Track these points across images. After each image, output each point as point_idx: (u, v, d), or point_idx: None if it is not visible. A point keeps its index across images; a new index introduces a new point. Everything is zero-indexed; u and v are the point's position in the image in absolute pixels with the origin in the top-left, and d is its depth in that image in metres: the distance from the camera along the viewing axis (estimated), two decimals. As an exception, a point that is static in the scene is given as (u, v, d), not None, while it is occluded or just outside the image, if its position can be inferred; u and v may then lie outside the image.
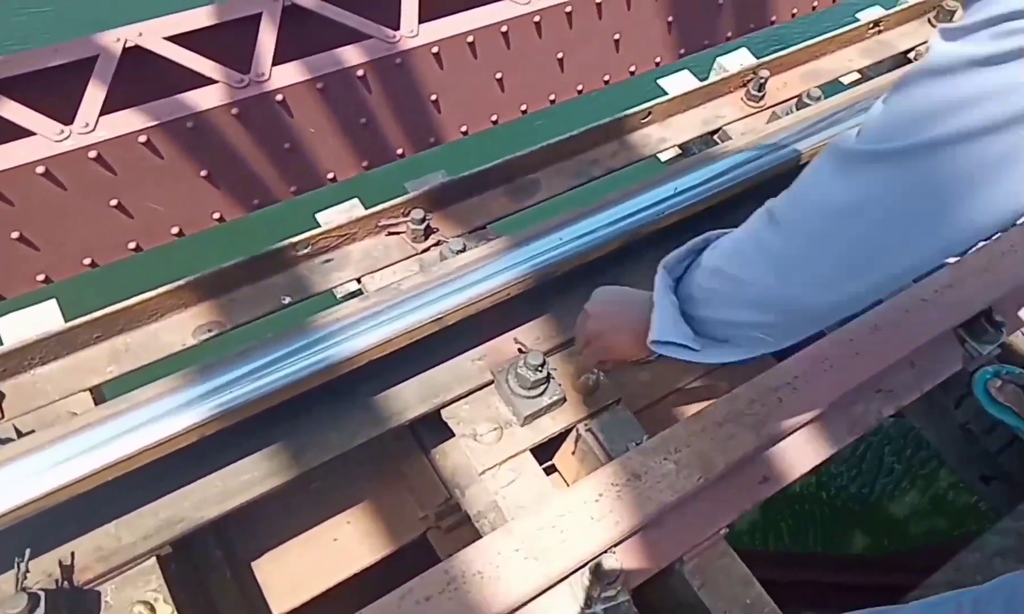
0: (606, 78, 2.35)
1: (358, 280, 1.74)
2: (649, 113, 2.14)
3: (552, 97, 2.28)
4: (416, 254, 1.78)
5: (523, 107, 2.25)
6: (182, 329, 1.57)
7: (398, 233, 1.81)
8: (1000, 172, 0.72)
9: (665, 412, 1.74)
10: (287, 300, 1.66)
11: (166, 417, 1.24)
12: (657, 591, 1.38)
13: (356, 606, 1.16)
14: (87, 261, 1.80)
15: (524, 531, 1.22)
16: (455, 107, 2.12)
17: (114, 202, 1.75)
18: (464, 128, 2.18)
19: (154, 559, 1.30)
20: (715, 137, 2.22)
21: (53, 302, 1.62)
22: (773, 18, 2.54)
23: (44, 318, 1.58)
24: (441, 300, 1.46)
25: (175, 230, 1.88)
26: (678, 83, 2.41)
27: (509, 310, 1.59)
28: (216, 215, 1.92)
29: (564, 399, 1.55)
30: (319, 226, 1.80)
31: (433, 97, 2.06)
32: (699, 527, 1.36)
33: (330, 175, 2.04)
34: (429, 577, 1.15)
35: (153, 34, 1.93)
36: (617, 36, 2.27)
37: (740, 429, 1.37)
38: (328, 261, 1.74)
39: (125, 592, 1.26)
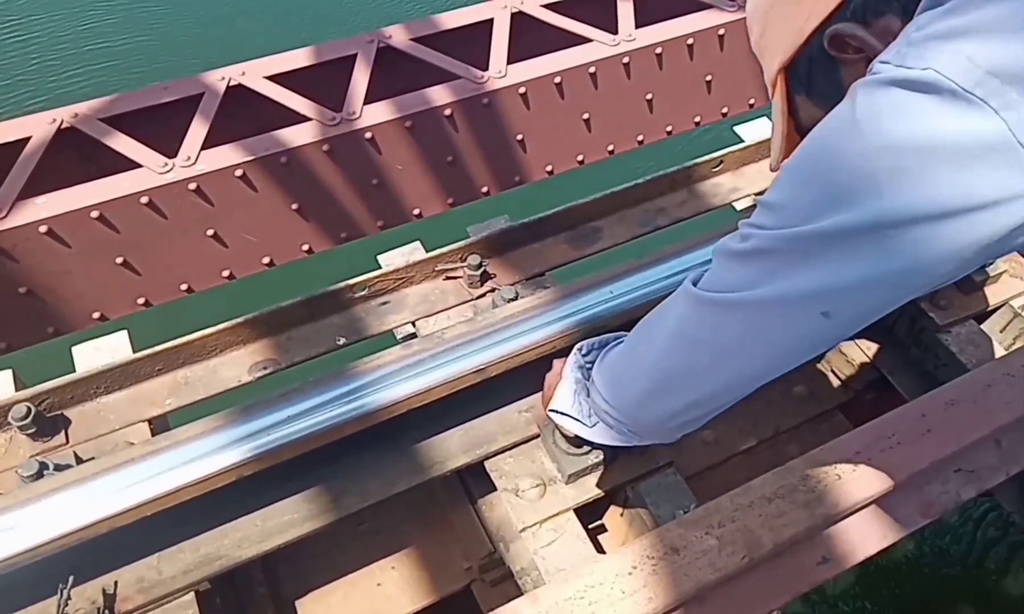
0: (697, 119, 2.32)
1: (413, 323, 1.75)
2: (721, 162, 2.08)
3: (640, 138, 2.27)
4: (471, 299, 1.78)
5: (610, 148, 2.25)
6: (239, 365, 1.62)
7: (455, 278, 1.82)
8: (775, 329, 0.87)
9: (721, 477, 1.66)
10: (342, 341, 1.68)
11: (207, 457, 1.26)
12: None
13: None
14: (184, 287, 1.89)
15: (550, 600, 1.17)
16: (541, 147, 2.14)
17: (211, 232, 1.84)
18: (550, 168, 2.20)
19: (192, 594, 1.32)
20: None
21: (124, 333, 1.69)
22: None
23: (115, 346, 1.66)
24: (484, 350, 1.44)
25: (266, 260, 1.96)
26: (756, 130, 2.33)
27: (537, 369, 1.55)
28: (305, 247, 1.99)
29: (611, 459, 1.50)
30: (380, 267, 1.82)
31: (519, 137, 2.09)
32: (746, 608, 1.27)
33: (416, 212, 2.08)
34: (448, 641, 1.12)
35: (255, 73, 2.05)
36: (709, 77, 2.24)
37: (792, 506, 1.28)
38: (385, 303, 1.76)
39: (162, 625, 1.29)
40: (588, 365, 1.23)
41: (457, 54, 2.07)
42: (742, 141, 2.20)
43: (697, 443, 1.70)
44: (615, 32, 2.13)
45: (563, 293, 1.52)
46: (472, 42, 2.16)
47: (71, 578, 1.21)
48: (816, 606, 3.03)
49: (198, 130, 1.86)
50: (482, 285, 1.79)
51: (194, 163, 1.77)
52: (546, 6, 2.21)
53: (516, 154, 2.12)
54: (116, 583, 1.29)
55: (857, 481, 1.31)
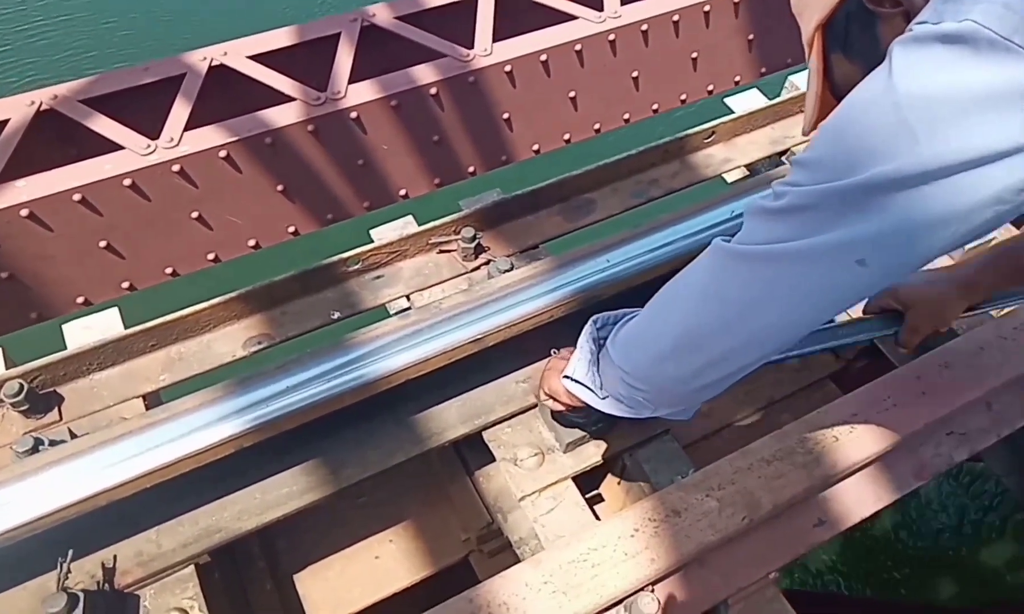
0: (683, 97, 2.31)
1: (407, 297, 1.74)
2: (713, 132, 2.07)
3: (627, 116, 2.26)
4: (466, 272, 1.77)
5: (596, 126, 2.23)
6: (233, 340, 1.60)
7: (449, 251, 1.81)
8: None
9: (717, 446, 1.67)
10: (336, 315, 1.67)
11: (205, 428, 1.25)
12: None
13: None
14: (168, 270, 1.87)
15: (554, 564, 1.18)
16: (527, 126, 2.12)
17: (195, 214, 1.82)
18: (536, 147, 2.18)
19: (192, 567, 1.31)
20: (783, 158, 2.13)
21: (115, 310, 1.68)
22: None
23: (106, 324, 1.64)
24: (482, 320, 1.44)
25: (252, 242, 1.93)
26: (746, 102, 2.33)
27: (556, 332, 1.55)
28: (291, 229, 1.97)
29: (609, 428, 1.50)
30: (372, 242, 1.81)
31: (505, 115, 2.07)
32: (746, 569, 1.28)
33: (402, 192, 2.06)
34: (453, 606, 1.13)
35: (237, 53, 2.01)
36: (695, 55, 2.24)
37: (790, 468, 1.29)
38: (379, 277, 1.75)
39: (163, 598, 1.28)
40: (602, 339, 1.22)
41: (442, 32, 2.05)
42: (733, 112, 2.20)
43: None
44: (601, 9, 2.11)
45: (559, 263, 1.52)
46: (456, 20, 2.13)
47: (70, 552, 1.20)
48: (801, 581, 3.07)
49: (180, 111, 1.83)
50: (476, 258, 1.78)
51: (177, 144, 1.74)
52: None
53: (502, 133, 2.11)
54: (115, 557, 1.28)
55: (853, 443, 1.33)
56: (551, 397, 1.35)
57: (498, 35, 2.04)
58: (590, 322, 1.24)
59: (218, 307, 1.59)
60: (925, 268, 1.50)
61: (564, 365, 1.29)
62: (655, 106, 2.28)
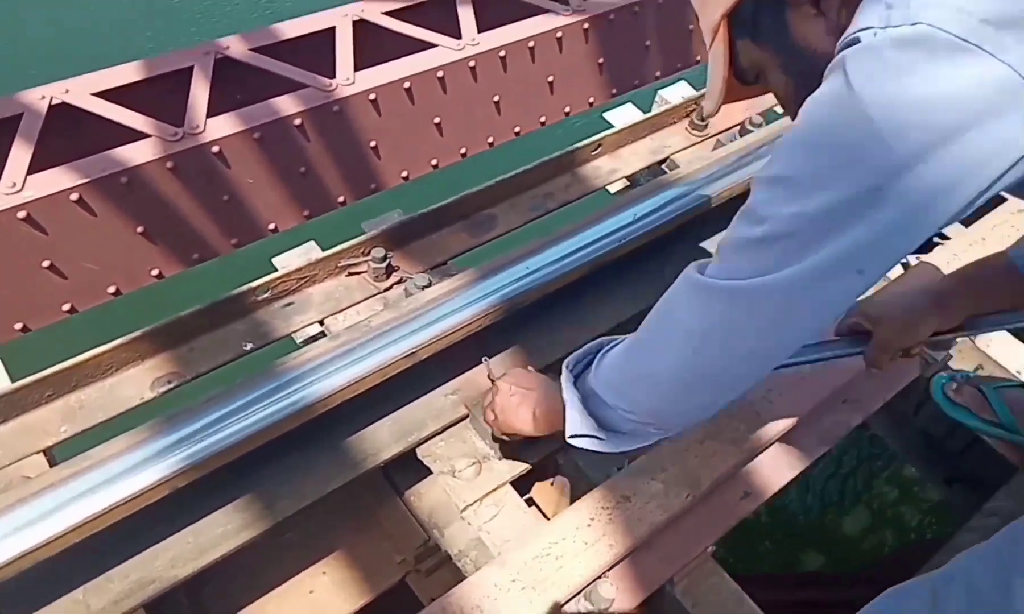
0: (542, 119, 2.39)
1: (320, 322, 1.70)
2: (599, 145, 2.18)
3: (491, 140, 2.30)
4: (379, 293, 1.76)
5: (462, 150, 2.26)
6: (139, 383, 1.50)
7: (359, 273, 1.79)
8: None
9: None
10: (249, 346, 1.61)
11: (135, 471, 1.17)
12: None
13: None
14: (18, 326, 1.70)
15: (518, 561, 1.19)
16: (394, 153, 2.12)
17: (47, 263, 1.67)
18: (404, 174, 2.18)
19: (125, 626, 1.21)
20: (663, 166, 2.27)
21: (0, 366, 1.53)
22: (698, 58, 2.64)
23: (-11, 380, 1.49)
24: (413, 335, 1.44)
25: (112, 289, 1.80)
26: (623, 116, 2.47)
27: (479, 342, 1.57)
28: (155, 272, 1.85)
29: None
30: (276, 270, 1.76)
31: (372, 143, 2.06)
32: (687, 546, 1.35)
33: (271, 226, 1.99)
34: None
35: (80, 90, 1.88)
36: (551, 78, 2.32)
37: (722, 444, 1.38)
38: (289, 305, 1.70)
39: (96, 664, 1.17)
40: (577, 377, 1.19)
41: (300, 64, 2.02)
42: (613, 127, 2.32)
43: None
44: (459, 37, 2.15)
45: (482, 273, 1.54)
46: (315, 51, 2.12)
47: (-10, 624, 1.08)
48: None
49: (20, 154, 1.69)
50: (388, 277, 1.77)
51: (21, 190, 1.61)
52: (388, 13, 2.21)
53: (370, 161, 2.10)
54: (37, 626, 1.16)
55: (774, 415, 1.43)
56: (506, 434, 1.37)
57: (359, 65, 2.04)
58: (564, 370, 1.20)
59: (120, 349, 1.49)
60: (897, 284, 1.58)
61: (519, 399, 1.29)
62: (517, 129, 2.35)
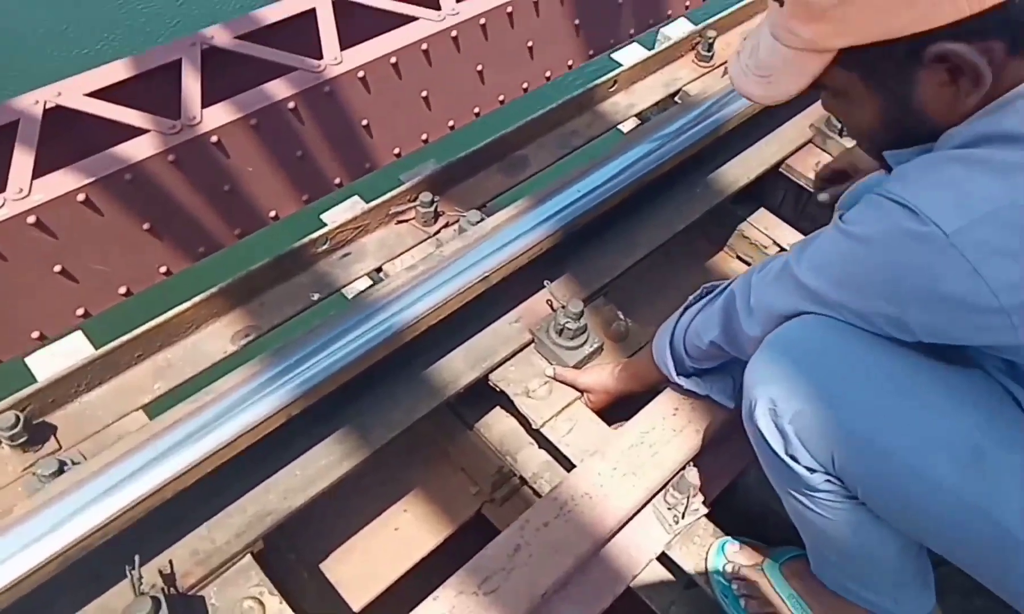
0: (525, 86, 2.40)
1: (378, 269, 1.76)
2: (615, 81, 2.24)
3: (476, 110, 2.31)
4: (429, 237, 1.82)
5: (451, 123, 2.27)
6: (220, 337, 1.56)
7: (406, 220, 1.85)
8: None
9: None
10: (316, 297, 1.67)
11: (252, 404, 1.24)
12: (729, 502, 1.45)
13: (429, 589, 1.19)
14: (35, 335, 1.68)
15: (617, 452, 1.27)
16: (386, 130, 2.12)
17: (58, 268, 1.65)
18: (397, 150, 2.19)
19: (249, 556, 1.28)
20: (675, 99, 2.34)
21: (79, 333, 1.57)
22: (669, 12, 2.67)
23: (74, 348, 1.54)
24: (483, 261, 1.50)
25: (123, 290, 1.78)
26: (629, 55, 2.53)
27: (535, 271, 1.65)
28: (163, 269, 1.85)
29: (602, 347, 1.61)
30: (324, 225, 1.81)
31: (364, 122, 2.06)
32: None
33: (272, 213, 2.00)
34: (541, 506, 1.19)
35: (73, 92, 1.85)
36: (530, 43, 2.33)
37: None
38: (347, 255, 1.76)
39: (228, 592, 1.24)
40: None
41: (286, 48, 2.00)
42: (621, 65, 2.39)
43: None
44: (438, 8, 2.15)
45: (532, 202, 1.61)
46: (298, 34, 2.10)
47: (136, 558, 1.14)
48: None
49: (23, 159, 1.67)
50: (436, 222, 1.84)
51: (28, 194, 1.58)
52: None
53: (363, 140, 2.10)
54: (171, 562, 1.23)
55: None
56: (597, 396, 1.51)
57: (343, 45, 2.02)
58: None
59: (199, 306, 1.54)
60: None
61: (607, 371, 1.49)
62: (501, 97, 2.36)
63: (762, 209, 2.15)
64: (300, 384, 1.29)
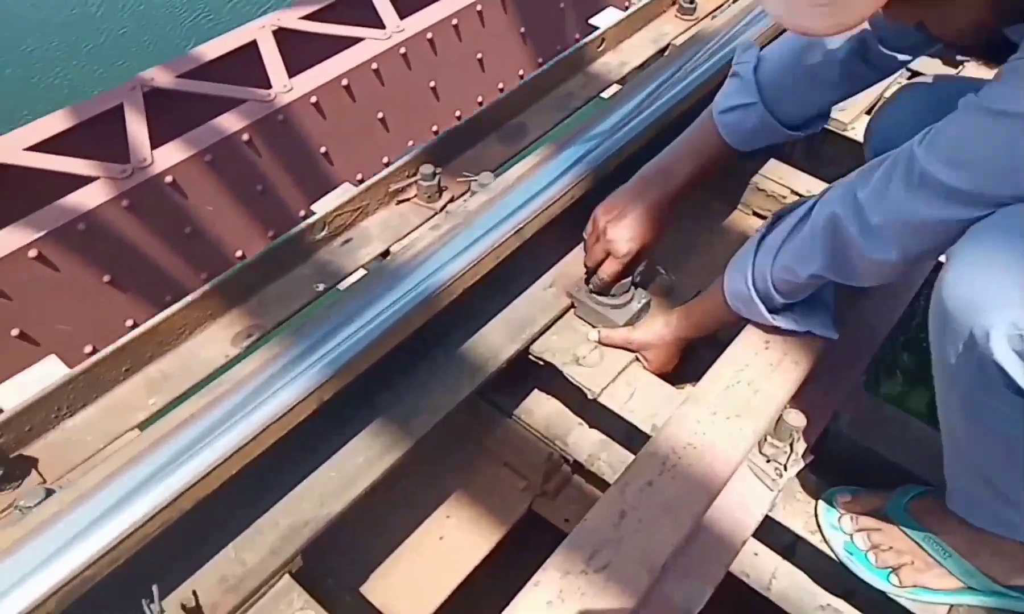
0: (479, 99, 2.35)
1: (385, 254, 1.57)
2: (603, 39, 2.11)
3: (435, 127, 2.27)
4: (435, 213, 1.63)
5: (409, 142, 2.21)
6: (219, 341, 1.34)
7: (408, 199, 1.66)
8: None
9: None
10: (321, 287, 1.46)
11: (281, 389, 1.03)
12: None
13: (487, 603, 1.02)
14: None
15: (713, 395, 1.10)
16: (346, 155, 2.07)
17: (15, 332, 1.56)
18: (360, 176, 2.11)
19: (287, 575, 1.07)
20: (664, 55, 2.21)
21: (53, 357, 1.35)
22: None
23: (47, 373, 1.31)
24: (512, 216, 1.34)
25: (88, 349, 1.68)
26: (607, 18, 2.41)
27: (565, 226, 1.48)
28: (129, 322, 1.75)
29: (650, 302, 1.45)
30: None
31: (323, 149, 2.01)
32: (844, 376, 1.29)
33: (238, 253, 1.93)
34: (641, 463, 1.02)
35: (11, 148, 1.77)
36: (480, 55, 2.30)
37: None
38: (348, 241, 1.56)
39: (270, 620, 1.02)
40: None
41: (230, 82, 1.96)
42: (598, 28, 2.26)
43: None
44: (383, 27, 2.12)
45: (546, 154, 1.47)
46: (241, 67, 2.05)
47: (155, 588, 0.92)
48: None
49: None
50: (440, 196, 1.65)
51: None
52: (305, 17, 2.15)
53: (323, 167, 2.04)
54: (195, 592, 1.00)
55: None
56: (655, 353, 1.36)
57: (291, 72, 1.98)
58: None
59: (190, 309, 1.32)
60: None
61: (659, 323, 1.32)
62: (458, 113, 2.32)
63: (772, 160, 2.03)
64: (329, 364, 1.08)
